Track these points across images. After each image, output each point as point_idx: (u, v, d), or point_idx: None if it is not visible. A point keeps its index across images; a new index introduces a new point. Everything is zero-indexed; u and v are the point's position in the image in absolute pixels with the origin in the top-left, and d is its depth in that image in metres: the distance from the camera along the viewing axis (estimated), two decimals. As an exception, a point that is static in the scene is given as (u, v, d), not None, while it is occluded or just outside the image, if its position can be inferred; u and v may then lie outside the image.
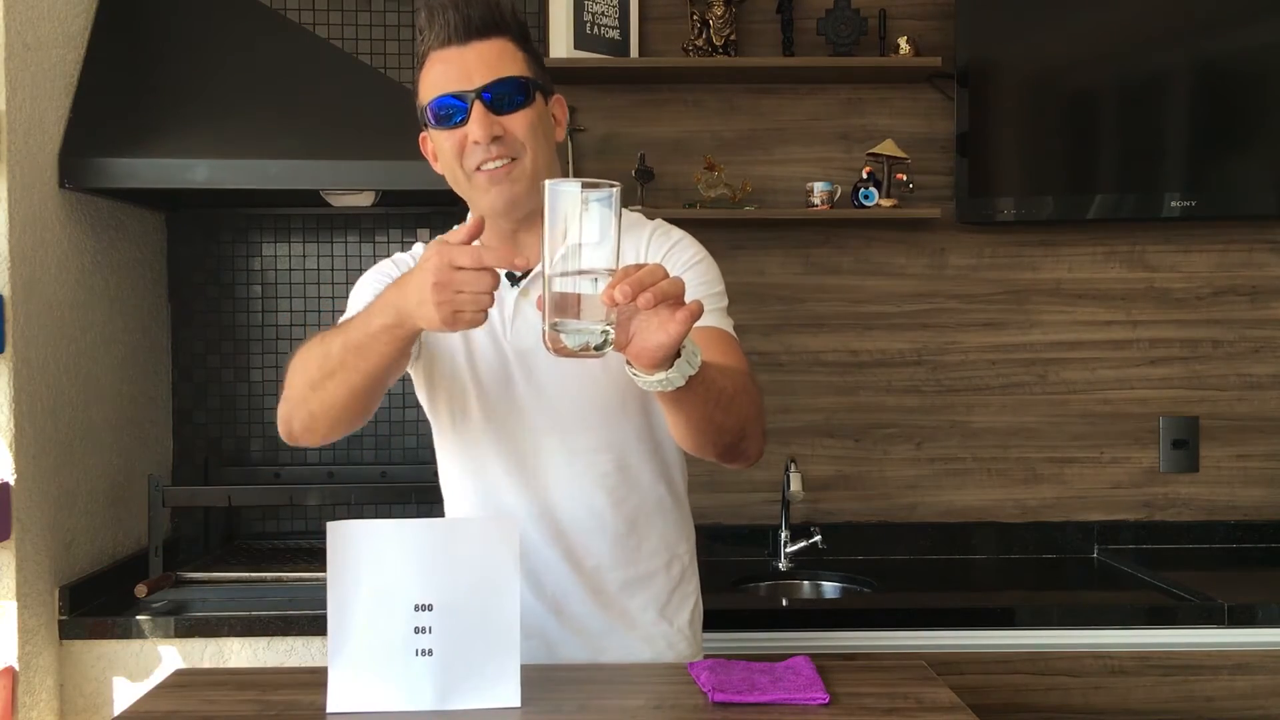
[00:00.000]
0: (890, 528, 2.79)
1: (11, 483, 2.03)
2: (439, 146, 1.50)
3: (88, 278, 2.35)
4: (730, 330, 1.55)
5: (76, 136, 2.24)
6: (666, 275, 1.12)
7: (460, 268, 1.20)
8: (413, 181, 2.16)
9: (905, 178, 2.68)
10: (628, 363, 1.21)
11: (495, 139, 1.43)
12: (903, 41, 2.67)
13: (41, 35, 2.16)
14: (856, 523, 2.80)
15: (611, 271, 1.11)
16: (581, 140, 2.74)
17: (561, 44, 2.60)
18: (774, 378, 2.79)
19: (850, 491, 2.81)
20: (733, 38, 2.71)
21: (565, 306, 1.11)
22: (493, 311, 1.49)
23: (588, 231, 1.09)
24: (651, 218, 2.71)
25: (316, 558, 2.45)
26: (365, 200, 2.52)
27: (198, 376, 2.79)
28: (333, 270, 2.80)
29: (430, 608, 1.34)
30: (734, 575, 2.60)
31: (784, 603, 2.49)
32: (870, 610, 2.33)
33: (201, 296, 2.79)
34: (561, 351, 1.13)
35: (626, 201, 2.69)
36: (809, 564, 2.68)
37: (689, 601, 1.67)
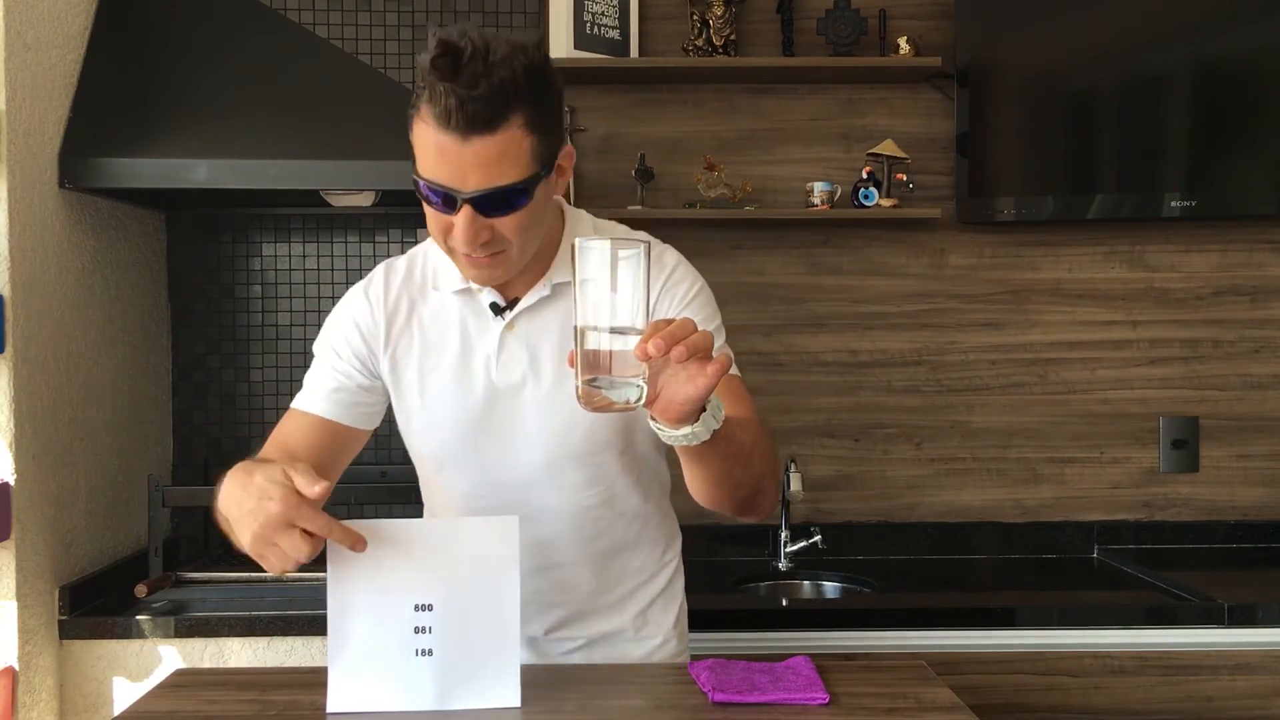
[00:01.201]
0: (890, 528, 2.79)
1: (11, 483, 2.03)
2: (425, 210, 1.39)
3: (88, 278, 2.35)
4: (734, 369, 1.51)
5: (76, 136, 2.24)
6: (695, 328, 1.13)
7: (300, 529, 1.20)
8: (413, 182, 2.16)
9: (905, 178, 2.68)
10: (651, 417, 1.20)
11: (482, 243, 1.34)
12: (903, 41, 2.67)
13: (41, 35, 2.16)
14: (856, 523, 2.80)
15: (642, 326, 1.12)
16: (581, 140, 2.74)
17: (561, 44, 2.60)
18: (774, 378, 2.79)
19: (850, 491, 2.81)
20: (733, 38, 2.71)
21: (598, 363, 1.13)
22: (479, 347, 1.49)
23: (619, 289, 1.12)
24: (651, 218, 2.73)
25: (316, 558, 2.44)
26: (365, 200, 2.52)
27: (198, 376, 2.80)
28: (333, 270, 2.80)
29: (430, 608, 1.34)
30: (734, 575, 2.60)
31: (784, 603, 2.49)
32: (870, 610, 2.33)
33: (201, 296, 2.79)
34: (597, 408, 1.15)
35: (626, 201, 2.70)
36: (809, 564, 2.68)
37: (674, 604, 1.68)
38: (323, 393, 1.53)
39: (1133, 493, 2.81)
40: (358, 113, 2.35)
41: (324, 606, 1.35)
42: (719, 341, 1.51)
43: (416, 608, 1.34)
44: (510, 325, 1.48)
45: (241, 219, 2.79)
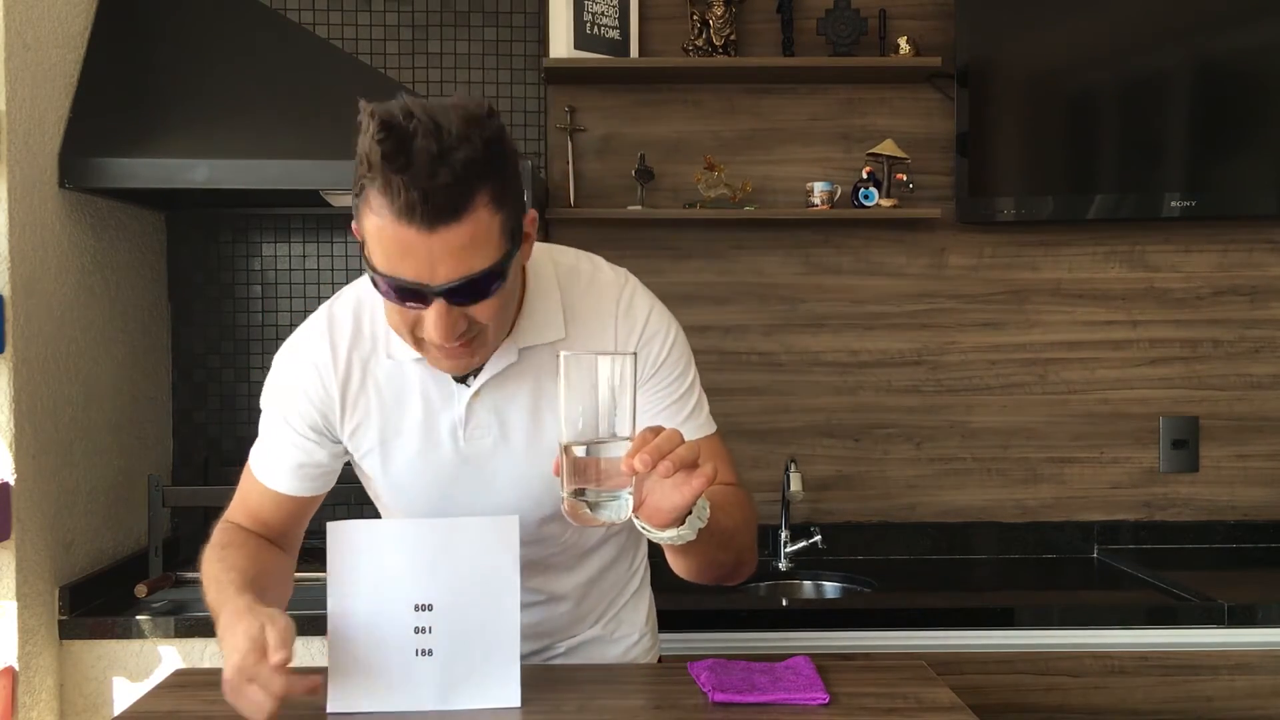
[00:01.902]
0: (890, 528, 2.79)
1: (11, 483, 2.03)
2: (385, 303, 1.28)
3: (88, 278, 2.35)
4: (711, 429, 1.48)
5: (76, 136, 2.24)
6: (681, 439, 1.13)
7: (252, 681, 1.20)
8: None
9: (905, 178, 2.68)
10: (636, 517, 1.19)
11: (459, 334, 1.25)
12: (903, 41, 2.67)
13: (41, 35, 2.16)
14: (856, 523, 2.80)
15: (629, 437, 1.12)
16: (581, 140, 2.74)
17: (561, 44, 2.60)
18: (774, 378, 2.79)
19: (850, 491, 2.81)
20: (733, 38, 2.71)
21: (585, 474, 1.13)
22: (444, 415, 1.41)
23: (604, 401, 1.11)
24: (651, 218, 2.73)
25: (316, 558, 2.44)
26: (365, 200, 2.51)
27: (198, 376, 2.80)
28: (333, 270, 2.80)
29: (430, 608, 1.34)
30: (734, 575, 2.60)
31: (784, 603, 2.49)
32: (870, 610, 2.33)
33: (201, 296, 2.79)
34: (585, 524, 1.15)
35: (626, 201, 2.70)
36: (809, 564, 2.68)
37: (644, 601, 1.69)
38: (287, 469, 1.47)
39: (1133, 493, 2.81)
40: (358, 113, 2.34)
41: (324, 606, 1.35)
42: (694, 397, 1.47)
43: (416, 608, 1.34)
44: (477, 394, 1.40)
45: (241, 219, 2.79)
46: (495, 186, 1.19)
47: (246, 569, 1.39)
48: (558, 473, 1.14)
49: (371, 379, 1.42)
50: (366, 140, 1.18)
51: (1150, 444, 2.81)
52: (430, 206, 1.15)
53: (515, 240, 1.25)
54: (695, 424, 1.46)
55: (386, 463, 1.45)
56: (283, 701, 1.21)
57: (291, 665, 1.21)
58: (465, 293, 1.21)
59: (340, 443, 1.47)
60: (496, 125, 1.20)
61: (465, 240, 1.18)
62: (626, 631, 1.65)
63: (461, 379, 1.40)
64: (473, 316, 1.25)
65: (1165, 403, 2.81)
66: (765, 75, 2.73)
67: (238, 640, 1.22)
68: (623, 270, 1.49)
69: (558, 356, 1.13)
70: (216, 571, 1.39)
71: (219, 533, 1.49)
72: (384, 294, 1.24)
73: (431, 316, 1.22)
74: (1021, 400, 2.81)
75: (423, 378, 1.41)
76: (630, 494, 1.14)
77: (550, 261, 1.44)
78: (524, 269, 1.40)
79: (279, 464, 1.48)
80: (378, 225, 1.19)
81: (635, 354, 1.14)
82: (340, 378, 1.42)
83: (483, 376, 1.39)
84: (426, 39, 2.81)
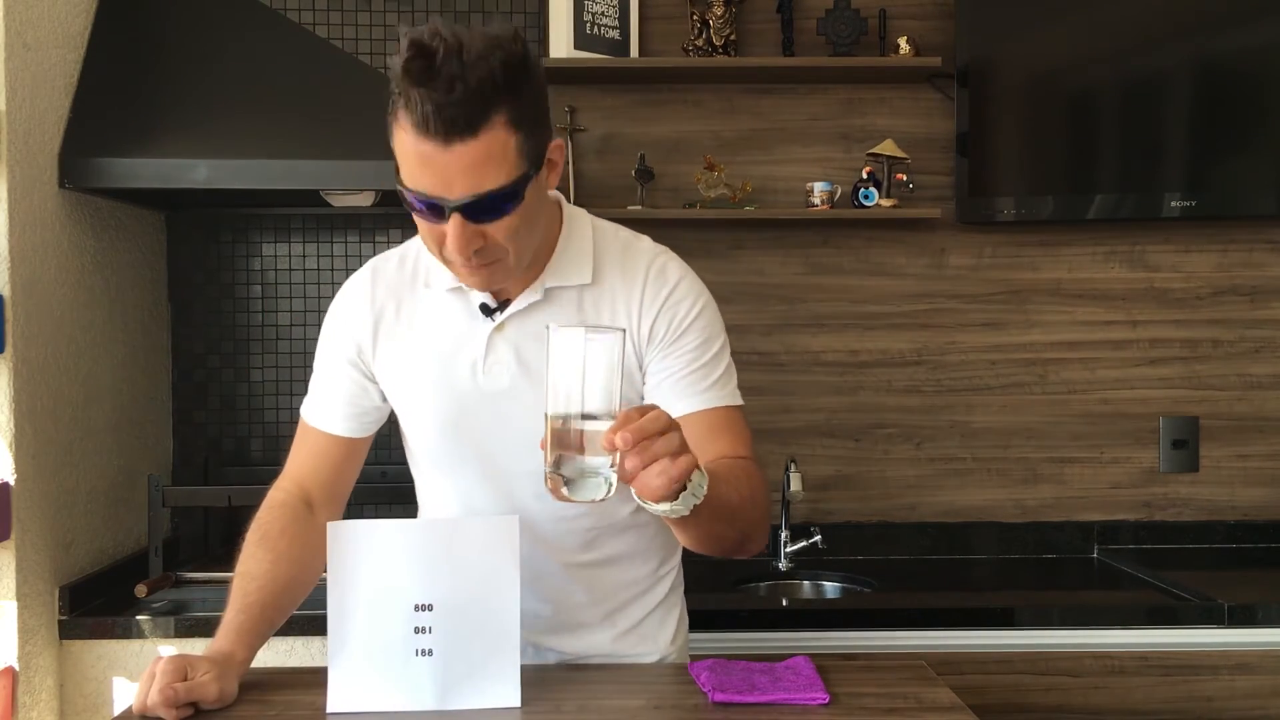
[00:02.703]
0: (890, 528, 2.79)
1: (11, 483, 2.03)
2: (415, 218, 1.35)
3: (88, 278, 2.35)
4: (733, 401, 1.49)
5: (76, 136, 2.24)
6: (668, 423, 1.13)
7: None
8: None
9: (905, 178, 2.68)
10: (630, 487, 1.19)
11: (476, 250, 1.31)
12: (903, 41, 2.67)
13: (41, 35, 2.16)
14: (856, 523, 2.80)
15: (613, 414, 1.12)
16: (581, 140, 2.74)
17: (561, 44, 2.60)
18: (774, 378, 2.79)
19: (850, 491, 2.81)
20: (733, 38, 2.71)
21: (567, 448, 1.13)
22: (465, 351, 1.45)
23: (590, 376, 1.11)
24: (651, 218, 2.73)
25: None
26: (365, 200, 2.52)
27: (198, 376, 2.80)
28: (333, 270, 2.80)
29: (430, 608, 1.34)
30: (734, 575, 2.60)
31: (784, 603, 2.49)
32: (870, 610, 2.33)
33: (201, 296, 2.79)
34: (563, 500, 1.15)
35: (626, 201, 2.70)
36: (809, 564, 2.68)
37: (672, 616, 1.63)
38: (337, 408, 1.54)
39: (1133, 493, 2.81)
40: (358, 113, 2.34)
41: (324, 606, 1.35)
42: (719, 369, 1.47)
43: (416, 608, 1.34)
44: (500, 327, 1.44)
45: (241, 219, 2.79)
46: (513, 108, 1.24)
47: (265, 583, 1.44)
48: (543, 447, 1.14)
49: (405, 311, 1.49)
50: (398, 59, 1.23)
51: (1150, 444, 2.81)
52: (444, 119, 1.21)
53: (535, 164, 1.29)
54: (717, 394, 1.46)
55: (410, 394, 1.50)
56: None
57: (292, 665, 1.22)
58: (480, 209, 1.26)
59: (375, 381, 1.52)
60: (519, 50, 1.25)
61: (480, 156, 1.23)
62: (648, 649, 1.58)
63: (488, 313, 1.44)
64: (490, 235, 1.29)
65: (1165, 403, 2.81)
66: (765, 75, 2.73)
67: (161, 667, 1.32)
68: (662, 247, 1.53)
69: (546, 328, 1.13)
70: (239, 573, 1.46)
71: (264, 510, 1.52)
72: (409, 205, 1.31)
73: (450, 231, 1.28)
74: (1021, 400, 2.81)
75: (453, 311, 1.47)
76: (613, 471, 1.13)
77: (589, 218, 1.50)
78: (560, 212, 1.46)
79: (326, 402, 1.54)
80: (401, 138, 1.25)
81: (624, 330, 1.13)
82: (375, 311, 1.49)
83: (507, 311, 1.43)
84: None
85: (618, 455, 1.12)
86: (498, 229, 1.29)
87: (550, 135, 1.33)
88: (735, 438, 1.46)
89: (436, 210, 1.28)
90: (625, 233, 1.52)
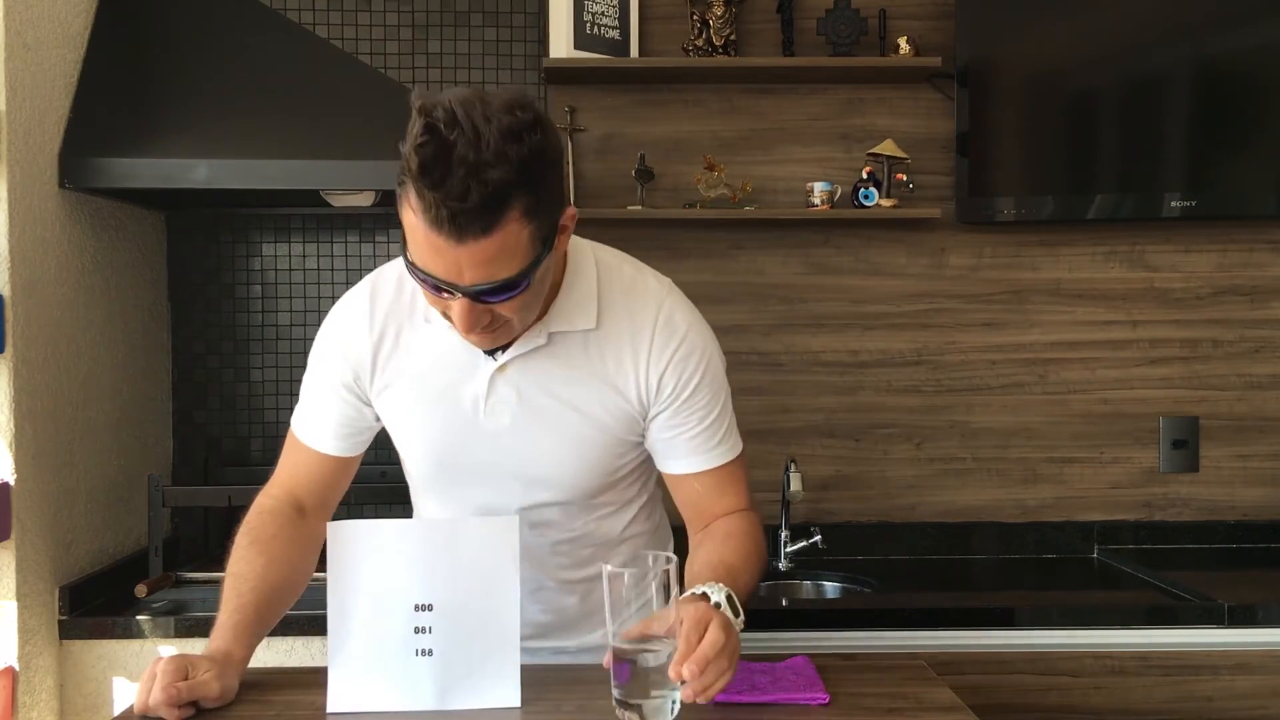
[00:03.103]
0: (890, 528, 2.79)
1: (11, 483, 2.03)
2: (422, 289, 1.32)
3: (88, 278, 2.35)
4: (736, 452, 1.53)
5: (76, 136, 2.24)
6: (724, 640, 1.23)
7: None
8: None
9: (905, 178, 2.68)
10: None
11: (483, 325, 1.30)
12: (903, 41, 2.67)
13: (41, 35, 2.16)
14: (856, 523, 2.80)
15: (673, 634, 1.23)
16: (581, 140, 2.74)
17: (561, 44, 2.60)
18: (774, 378, 2.79)
19: (850, 491, 2.81)
20: (733, 38, 2.71)
21: (634, 675, 1.24)
22: (467, 388, 1.44)
23: (646, 607, 1.23)
24: (651, 218, 2.72)
25: (320, 556, 2.44)
26: (365, 200, 2.52)
27: (198, 376, 2.80)
28: (333, 270, 2.80)
29: (430, 608, 1.34)
30: (734, 575, 2.59)
31: (784, 603, 2.49)
32: (870, 610, 2.32)
33: (201, 296, 2.79)
34: None
35: (626, 201, 2.70)
36: (809, 564, 2.68)
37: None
38: (325, 426, 1.53)
39: (1133, 493, 2.81)
40: (358, 113, 2.35)
41: (324, 606, 1.35)
42: (725, 423, 1.51)
43: (416, 608, 1.34)
44: (502, 368, 1.43)
45: (241, 219, 2.79)
46: (529, 199, 1.21)
47: (258, 584, 1.44)
48: (607, 666, 1.26)
49: (405, 342, 1.47)
50: (410, 140, 1.18)
51: (1150, 444, 2.81)
52: (458, 223, 1.18)
53: (548, 244, 1.27)
54: (724, 451, 1.51)
55: (408, 425, 1.50)
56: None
57: (292, 665, 1.22)
58: (491, 294, 1.25)
59: (370, 405, 1.51)
60: (538, 138, 1.20)
61: (494, 252, 1.21)
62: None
63: (490, 352, 1.43)
64: (497, 310, 1.29)
65: (1165, 403, 2.81)
66: (765, 75, 2.73)
67: (162, 667, 1.31)
68: (666, 279, 1.51)
69: (602, 569, 1.25)
70: (230, 574, 1.47)
71: (253, 514, 1.53)
72: (416, 280, 1.29)
73: (457, 309, 1.27)
74: (1021, 400, 2.81)
75: (454, 347, 1.44)
76: (678, 693, 1.24)
77: (592, 254, 1.47)
78: (564, 254, 1.44)
79: (318, 421, 1.53)
80: (412, 222, 1.23)
81: (675, 559, 1.24)
82: (374, 338, 1.47)
83: (510, 353, 1.42)
84: (426, 39, 2.81)
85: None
86: (506, 306, 1.28)
87: (564, 206, 1.30)
88: (739, 489, 1.54)
89: (446, 291, 1.26)
90: (629, 267, 1.49)
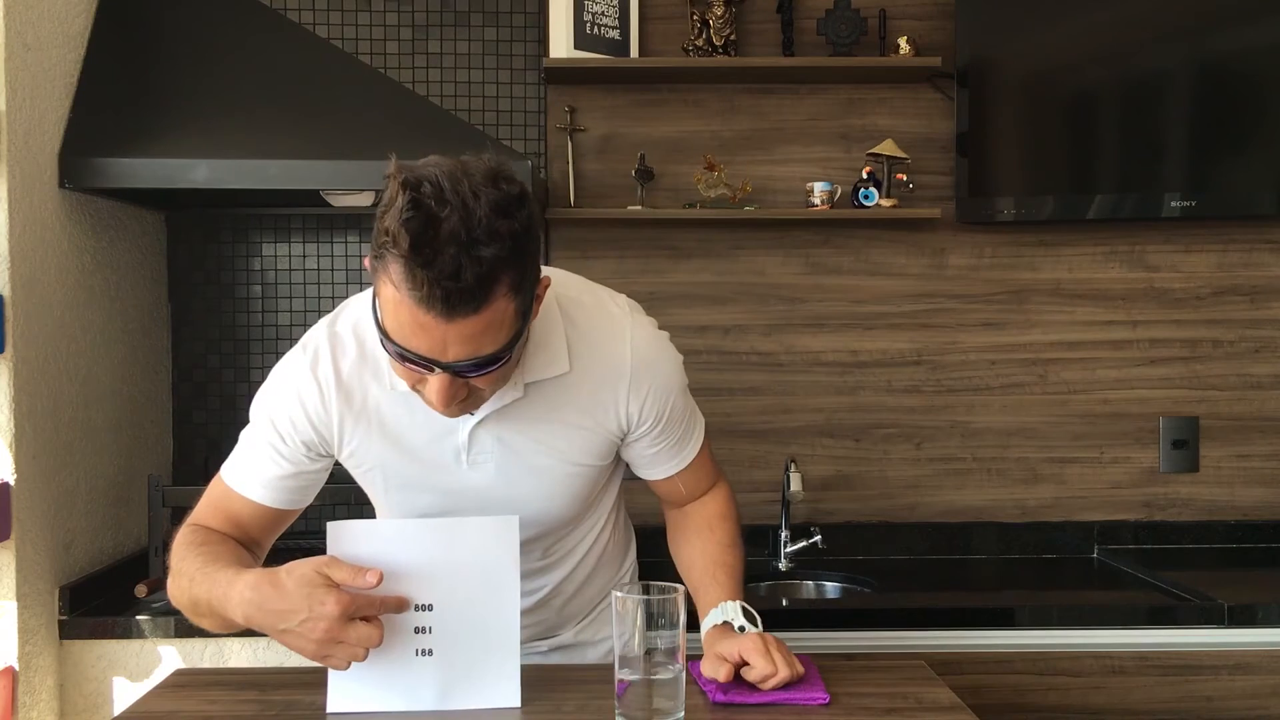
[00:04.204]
0: (890, 528, 2.79)
1: (11, 483, 2.03)
2: (390, 360, 1.27)
3: (88, 278, 2.35)
4: (703, 438, 1.60)
5: (76, 136, 2.24)
6: (778, 649, 1.41)
7: (359, 619, 1.24)
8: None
9: (905, 178, 2.68)
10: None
11: (460, 400, 1.27)
12: (903, 41, 2.67)
13: (41, 35, 2.16)
14: (856, 523, 2.80)
15: (675, 653, 1.29)
16: (581, 140, 2.74)
17: (561, 44, 2.60)
18: (774, 378, 2.79)
19: (850, 491, 2.81)
20: (733, 38, 2.71)
21: (643, 698, 1.28)
22: (446, 442, 1.41)
23: (653, 633, 1.28)
24: (651, 218, 2.72)
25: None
26: (365, 200, 2.52)
27: (198, 376, 2.80)
28: (333, 270, 2.80)
29: (430, 608, 1.34)
30: (734, 575, 2.60)
31: (784, 603, 2.49)
32: (870, 610, 2.33)
33: (201, 296, 2.79)
34: None
35: (626, 201, 2.70)
36: (809, 564, 2.68)
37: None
38: (268, 480, 1.44)
39: (1133, 493, 2.81)
40: (358, 113, 2.35)
41: (324, 606, 1.35)
42: (694, 423, 1.57)
43: (416, 608, 1.34)
44: (481, 423, 1.41)
45: (241, 219, 2.79)
46: (516, 274, 1.19)
47: (236, 563, 1.37)
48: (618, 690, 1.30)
49: (373, 400, 1.41)
50: (394, 214, 1.13)
51: (1150, 444, 2.81)
52: (449, 303, 1.14)
53: (527, 317, 1.25)
54: (694, 447, 1.58)
55: (388, 481, 1.46)
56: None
57: (291, 665, 1.22)
58: (473, 369, 1.22)
59: (329, 456, 1.46)
60: (526, 215, 1.18)
61: (481, 328, 1.18)
62: (608, 633, 1.62)
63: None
64: (473, 385, 1.26)
65: (1165, 403, 2.81)
66: (765, 75, 2.73)
67: (307, 596, 1.23)
68: (623, 299, 1.49)
69: (611, 594, 1.32)
70: (201, 563, 1.36)
71: (188, 532, 1.44)
72: (390, 354, 1.24)
73: (435, 384, 1.23)
74: (1021, 400, 2.81)
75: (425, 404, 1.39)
76: (681, 714, 1.29)
77: (553, 296, 1.42)
78: None
79: (259, 475, 1.45)
80: (395, 298, 1.17)
81: (680, 589, 1.28)
82: (340, 399, 1.40)
83: (485, 409, 1.39)
84: (426, 39, 2.81)
85: (682, 696, 1.29)
86: (484, 380, 1.25)
87: (539, 277, 1.27)
88: (709, 466, 1.63)
89: (425, 366, 1.22)
90: (587, 296, 1.46)
